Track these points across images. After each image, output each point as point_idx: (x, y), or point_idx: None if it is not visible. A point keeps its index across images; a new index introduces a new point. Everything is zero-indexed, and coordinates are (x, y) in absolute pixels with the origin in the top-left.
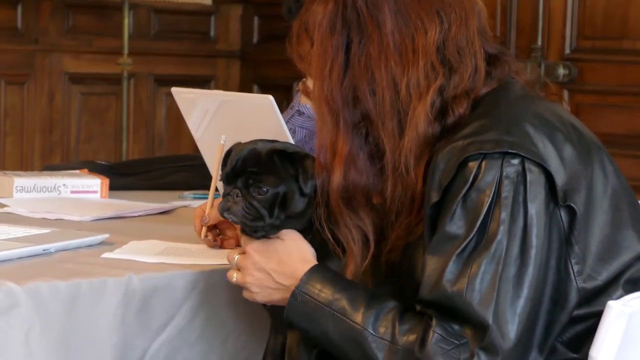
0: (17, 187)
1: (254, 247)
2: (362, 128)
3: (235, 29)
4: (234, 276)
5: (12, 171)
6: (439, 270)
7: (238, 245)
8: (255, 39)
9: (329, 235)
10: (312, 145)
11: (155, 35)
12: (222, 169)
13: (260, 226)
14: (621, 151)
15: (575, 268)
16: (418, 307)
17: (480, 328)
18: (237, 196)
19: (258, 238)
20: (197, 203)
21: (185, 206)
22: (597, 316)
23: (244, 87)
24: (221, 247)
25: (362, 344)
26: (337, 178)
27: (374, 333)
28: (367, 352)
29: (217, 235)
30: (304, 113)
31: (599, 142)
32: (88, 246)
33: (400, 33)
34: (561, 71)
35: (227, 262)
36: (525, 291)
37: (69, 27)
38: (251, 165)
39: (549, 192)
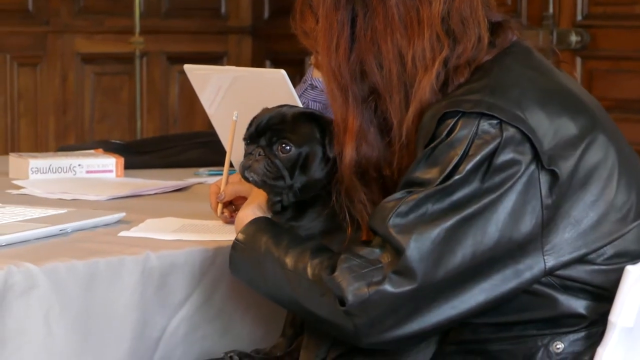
0: (32, 168)
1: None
2: (371, 102)
3: (245, 5)
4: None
5: (27, 153)
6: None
7: None
8: (266, 14)
9: (345, 209)
10: None
11: (166, 14)
12: (247, 130)
13: (280, 186)
14: (635, 116)
15: (545, 232)
16: None
17: (396, 254)
18: (259, 154)
19: (275, 206)
20: (212, 179)
21: (200, 183)
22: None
23: (256, 63)
24: None
25: (283, 283)
26: (349, 153)
27: (292, 270)
28: (288, 291)
29: (233, 211)
30: (316, 87)
31: (603, 111)
32: (105, 225)
33: (405, 5)
34: (573, 38)
35: None
36: (459, 234)
37: (80, 7)
38: (276, 124)
39: (533, 156)
